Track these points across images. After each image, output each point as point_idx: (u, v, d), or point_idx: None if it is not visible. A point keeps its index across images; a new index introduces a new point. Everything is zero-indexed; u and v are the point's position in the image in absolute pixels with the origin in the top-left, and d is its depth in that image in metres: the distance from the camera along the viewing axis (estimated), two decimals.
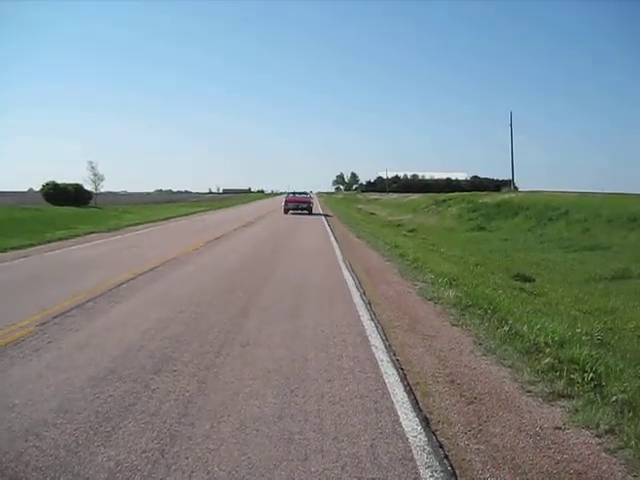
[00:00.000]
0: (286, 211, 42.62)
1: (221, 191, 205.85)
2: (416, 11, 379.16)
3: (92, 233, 23.14)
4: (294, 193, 48.84)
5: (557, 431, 4.54)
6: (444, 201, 44.74)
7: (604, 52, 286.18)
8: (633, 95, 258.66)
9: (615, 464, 3.98)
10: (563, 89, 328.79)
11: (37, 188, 51.23)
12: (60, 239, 20.22)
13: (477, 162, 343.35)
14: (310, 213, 42.74)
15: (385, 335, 7.34)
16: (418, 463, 3.94)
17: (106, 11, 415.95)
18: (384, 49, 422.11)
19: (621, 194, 31.78)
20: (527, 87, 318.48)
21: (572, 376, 5.50)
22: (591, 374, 5.46)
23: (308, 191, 55.44)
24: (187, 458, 3.98)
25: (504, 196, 38.94)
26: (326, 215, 41.79)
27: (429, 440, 4.31)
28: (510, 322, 7.49)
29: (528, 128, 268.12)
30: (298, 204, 43.46)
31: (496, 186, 71.91)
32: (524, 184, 66.68)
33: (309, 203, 44.09)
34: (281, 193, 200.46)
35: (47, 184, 46.38)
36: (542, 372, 5.75)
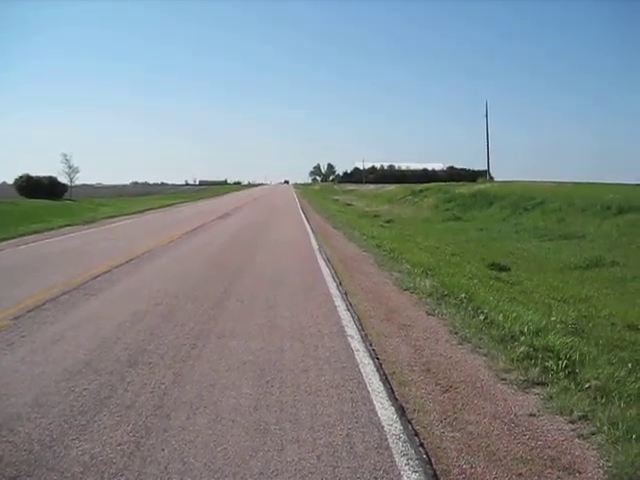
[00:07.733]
0: (281, 183, 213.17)
1: (197, 183, 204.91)
2: None
3: (67, 226, 22.98)
4: (283, 179, 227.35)
5: (531, 418, 4.58)
6: (420, 191, 44.57)
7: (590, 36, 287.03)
8: (619, 79, 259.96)
9: (588, 449, 4.02)
10: (544, 73, 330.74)
11: (10, 181, 50.30)
12: (35, 232, 20.08)
13: (454, 152, 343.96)
14: (288, 184, 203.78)
15: (361, 325, 7.35)
16: (394, 451, 3.95)
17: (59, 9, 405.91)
18: (360, 38, 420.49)
19: (595, 183, 32.03)
20: (507, 73, 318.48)
21: (547, 364, 5.54)
22: (565, 361, 5.50)
23: (286, 179, 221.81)
24: (163, 450, 3.96)
25: (480, 186, 38.90)
26: (302, 208, 41.61)
27: (405, 429, 4.33)
28: (485, 311, 7.54)
29: (508, 116, 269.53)
30: (284, 182, 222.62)
31: (472, 176, 71.91)
32: (503, 173, 67.44)
33: (288, 182, 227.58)
34: (259, 184, 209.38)
35: (20, 177, 45.54)
36: (517, 360, 5.78)
